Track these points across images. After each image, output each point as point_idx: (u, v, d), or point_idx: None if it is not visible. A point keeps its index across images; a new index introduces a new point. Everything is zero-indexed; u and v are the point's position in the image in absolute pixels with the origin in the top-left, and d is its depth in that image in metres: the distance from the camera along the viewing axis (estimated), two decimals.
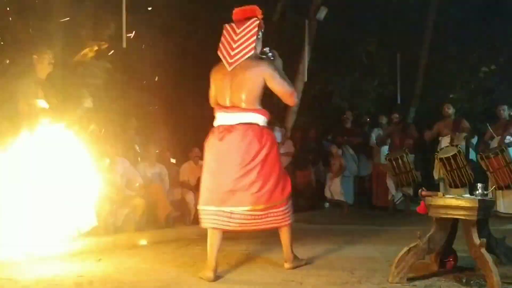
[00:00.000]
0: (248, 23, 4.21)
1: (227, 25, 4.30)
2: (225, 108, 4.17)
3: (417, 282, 3.79)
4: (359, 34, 11.70)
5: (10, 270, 4.41)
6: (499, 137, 8.38)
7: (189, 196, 7.62)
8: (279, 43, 11.48)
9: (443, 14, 12.49)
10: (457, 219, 3.85)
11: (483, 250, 3.63)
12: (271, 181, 4.13)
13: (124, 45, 7.26)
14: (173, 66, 10.24)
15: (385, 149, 9.82)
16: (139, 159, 8.00)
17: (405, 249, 3.84)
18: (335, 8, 10.14)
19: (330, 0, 9.91)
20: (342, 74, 11.51)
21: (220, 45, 4.25)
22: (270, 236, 5.83)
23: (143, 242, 5.95)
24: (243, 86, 4.09)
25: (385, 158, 9.42)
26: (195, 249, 5.56)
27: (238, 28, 4.21)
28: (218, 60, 4.29)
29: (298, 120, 10.70)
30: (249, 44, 4.15)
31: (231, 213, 4.07)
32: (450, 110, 9.04)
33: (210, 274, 4.00)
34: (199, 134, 10.57)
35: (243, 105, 4.10)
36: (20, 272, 4.34)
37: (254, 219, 4.12)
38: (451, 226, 3.95)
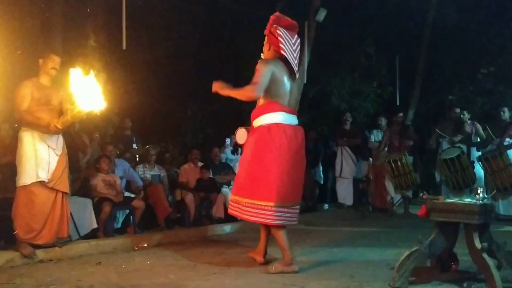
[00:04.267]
0: (298, 40, 4.65)
1: (281, 29, 4.52)
2: (288, 110, 4.55)
3: (418, 287, 3.78)
4: (358, 36, 11.69)
5: (10, 274, 4.40)
6: (499, 139, 8.38)
7: (189, 198, 7.60)
8: None
9: (441, 16, 12.49)
10: (458, 223, 3.85)
11: (484, 255, 3.62)
12: None
13: (124, 46, 7.23)
14: (173, 67, 10.24)
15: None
16: (137, 159, 7.99)
17: (406, 253, 3.82)
18: (334, 9, 10.13)
19: (329, 1, 9.90)
20: (341, 75, 11.48)
21: (284, 46, 4.45)
22: (270, 239, 5.82)
23: (143, 244, 5.94)
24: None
25: (384, 160, 9.36)
26: (195, 251, 5.56)
27: (292, 38, 4.56)
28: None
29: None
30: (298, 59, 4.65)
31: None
32: (455, 113, 9.03)
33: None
34: (198, 136, 10.62)
35: (297, 109, 4.49)
36: (20, 276, 4.33)
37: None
38: (452, 230, 3.94)
